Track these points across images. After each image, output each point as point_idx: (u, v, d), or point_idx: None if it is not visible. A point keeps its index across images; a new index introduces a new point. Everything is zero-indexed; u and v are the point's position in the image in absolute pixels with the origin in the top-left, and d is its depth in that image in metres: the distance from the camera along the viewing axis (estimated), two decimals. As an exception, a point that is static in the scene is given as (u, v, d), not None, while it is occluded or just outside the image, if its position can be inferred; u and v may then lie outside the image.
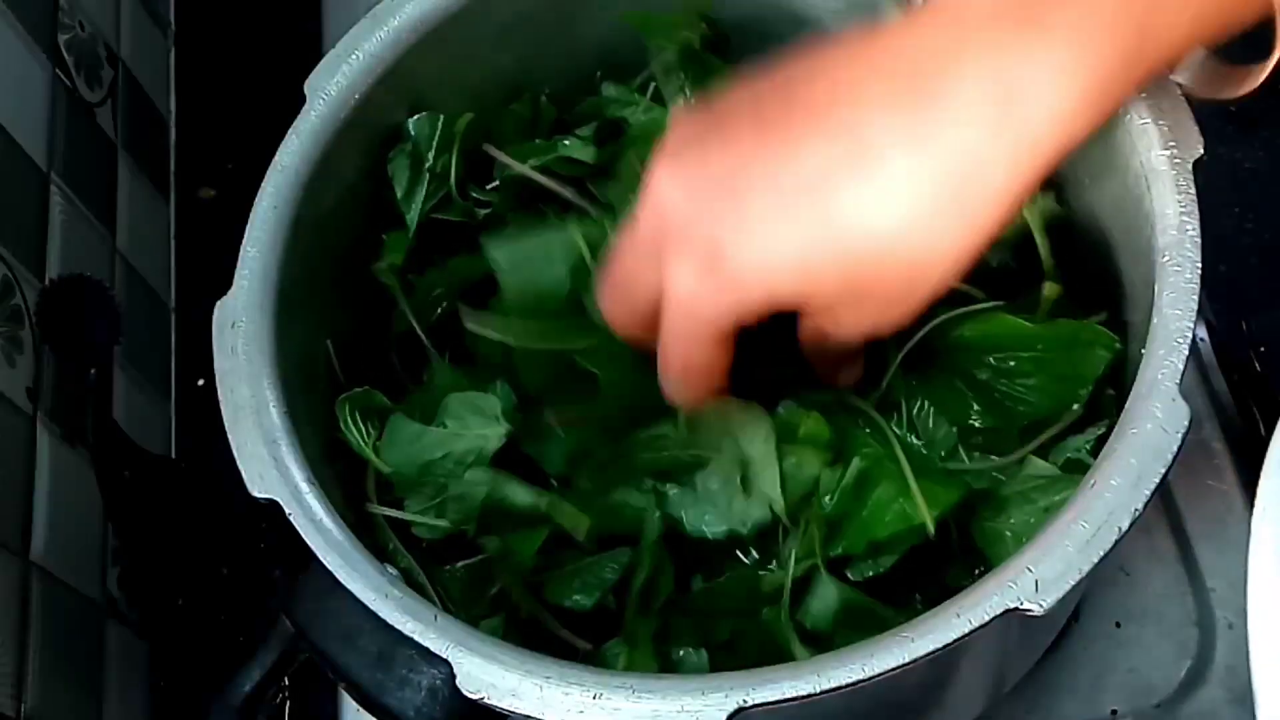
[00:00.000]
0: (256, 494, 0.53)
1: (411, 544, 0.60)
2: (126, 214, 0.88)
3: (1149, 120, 0.55)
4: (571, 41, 0.70)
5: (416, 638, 0.49)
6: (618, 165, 0.67)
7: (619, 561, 0.59)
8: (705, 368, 0.52)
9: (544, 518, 0.58)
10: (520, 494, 0.58)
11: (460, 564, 0.59)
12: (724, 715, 0.46)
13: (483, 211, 0.68)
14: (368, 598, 0.50)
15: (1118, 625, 0.74)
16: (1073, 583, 0.46)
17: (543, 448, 0.61)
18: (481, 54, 0.67)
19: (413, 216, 0.66)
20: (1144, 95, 0.55)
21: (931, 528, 0.55)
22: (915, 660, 0.46)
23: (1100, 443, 0.53)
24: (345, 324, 0.65)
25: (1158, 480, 0.48)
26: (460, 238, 0.68)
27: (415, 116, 0.65)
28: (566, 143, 0.67)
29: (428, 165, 0.66)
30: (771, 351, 0.57)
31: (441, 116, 0.66)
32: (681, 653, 0.58)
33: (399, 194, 0.66)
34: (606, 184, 0.67)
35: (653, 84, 0.69)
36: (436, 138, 0.66)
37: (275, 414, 0.55)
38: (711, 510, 0.58)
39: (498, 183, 0.68)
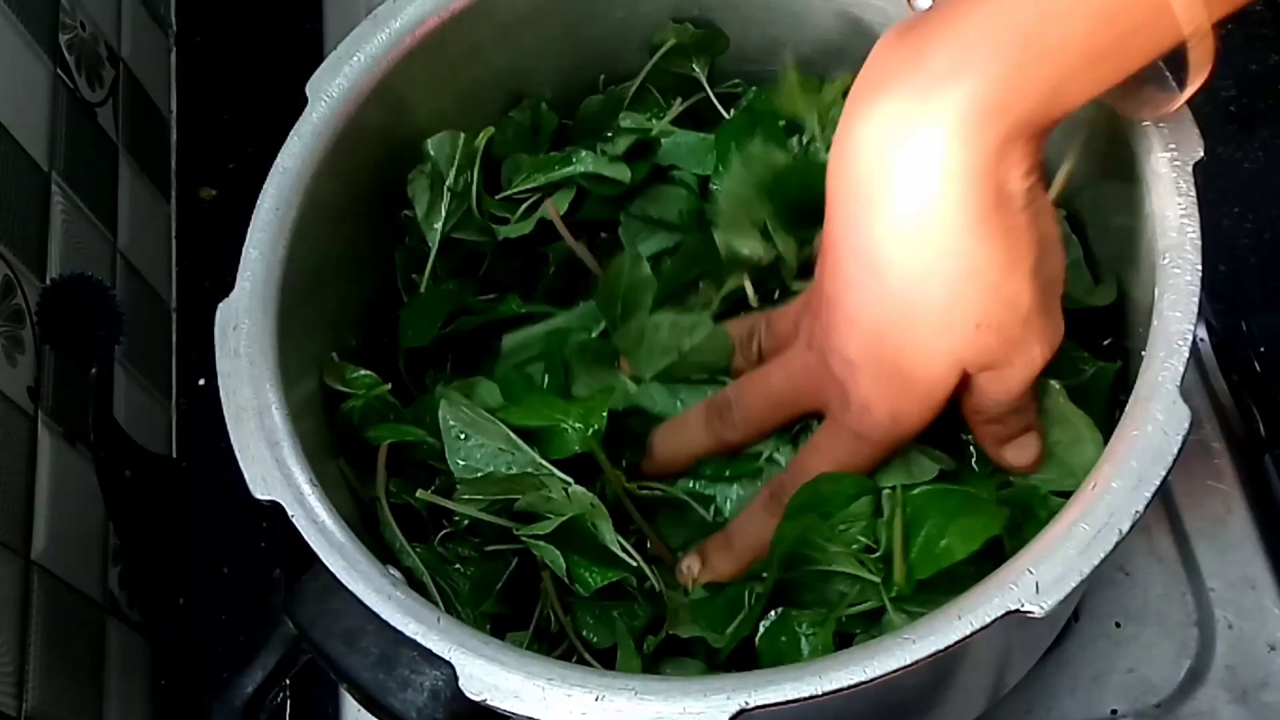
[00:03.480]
0: (259, 496, 0.53)
1: (414, 540, 0.61)
2: (127, 214, 0.88)
3: (1149, 123, 0.55)
4: (573, 44, 0.70)
5: (419, 639, 0.49)
6: (655, 187, 0.69)
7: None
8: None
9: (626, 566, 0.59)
10: (608, 534, 0.58)
11: (470, 567, 0.59)
12: (725, 717, 0.46)
13: (500, 230, 0.68)
14: (370, 599, 0.50)
15: (1118, 625, 0.74)
16: (1073, 584, 0.46)
17: None
18: (483, 56, 0.67)
19: (434, 237, 0.66)
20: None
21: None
22: (916, 662, 0.46)
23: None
24: (347, 322, 0.65)
25: (1158, 482, 0.48)
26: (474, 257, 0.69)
27: (434, 137, 0.66)
28: (581, 154, 0.67)
29: (447, 184, 0.66)
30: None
31: (461, 135, 0.66)
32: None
33: (419, 215, 0.66)
34: (643, 203, 0.68)
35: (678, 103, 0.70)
36: (457, 157, 0.66)
37: (277, 415, 0.55)
38: None
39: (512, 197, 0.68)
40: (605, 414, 0.59)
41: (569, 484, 0.58)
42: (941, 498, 0.55)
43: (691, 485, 0.62)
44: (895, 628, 0.52)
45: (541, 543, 0.58)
